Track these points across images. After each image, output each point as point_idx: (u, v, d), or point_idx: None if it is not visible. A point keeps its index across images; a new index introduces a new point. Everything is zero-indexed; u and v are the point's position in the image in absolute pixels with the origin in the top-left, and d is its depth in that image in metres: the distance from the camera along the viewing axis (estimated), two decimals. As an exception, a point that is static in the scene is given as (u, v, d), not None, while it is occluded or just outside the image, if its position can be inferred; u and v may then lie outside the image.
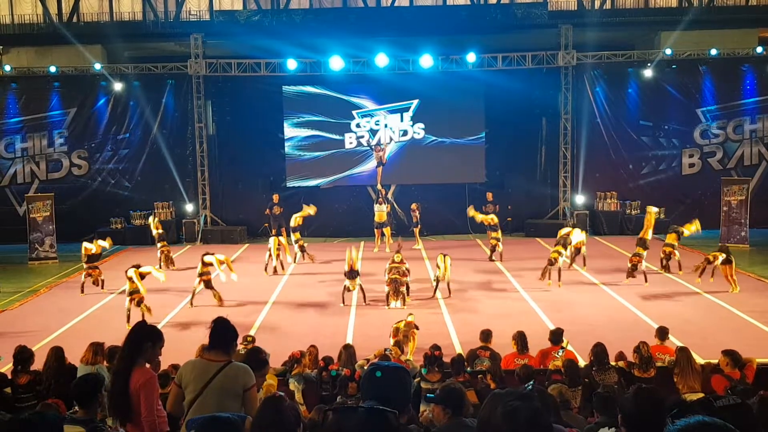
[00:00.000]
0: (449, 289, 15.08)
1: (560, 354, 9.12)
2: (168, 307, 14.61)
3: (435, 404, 4.09)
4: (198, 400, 4.84)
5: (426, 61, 22.25)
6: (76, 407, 5.41)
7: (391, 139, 23.12)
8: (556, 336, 9.70)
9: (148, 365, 5.32)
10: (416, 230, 20.91)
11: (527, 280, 16.55)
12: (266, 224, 22.12)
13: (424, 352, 8.62)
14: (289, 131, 23.62)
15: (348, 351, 9.31)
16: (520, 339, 9.54)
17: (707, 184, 23.21)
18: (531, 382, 4.05)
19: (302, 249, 18.87)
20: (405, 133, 23.56)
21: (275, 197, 21.57)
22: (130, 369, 5.06)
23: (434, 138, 23.49)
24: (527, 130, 23.75)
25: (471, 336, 10.68)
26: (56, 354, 8.14)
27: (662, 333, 9.80)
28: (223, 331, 5.03)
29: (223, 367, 4.87)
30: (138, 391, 4.98)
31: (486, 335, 9.74)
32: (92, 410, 5.34)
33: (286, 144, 23.65)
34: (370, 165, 23.25)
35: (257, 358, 5.59)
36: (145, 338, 5.17)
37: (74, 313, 14.38)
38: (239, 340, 9.67)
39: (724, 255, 15.15)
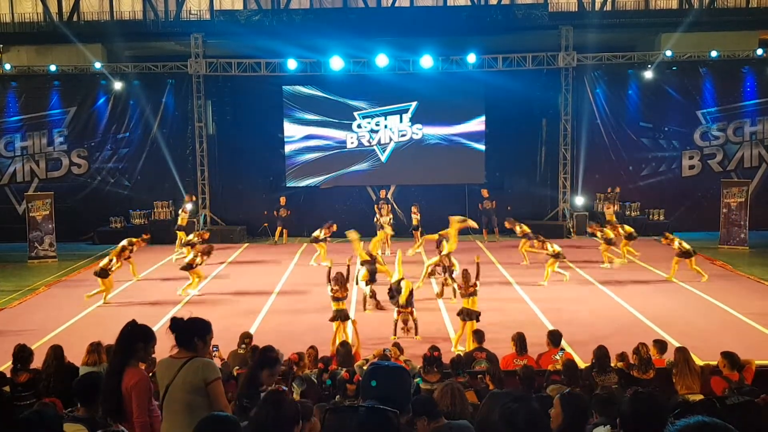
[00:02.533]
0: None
1: (560, 356, 9.11)
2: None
3: (416, 419, 4.04)
4: (166, 397, 4.86)
5: (426, 61, 22.24)
6: (76, 406, 5.40)
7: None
8: (555, 338, 9.69)
9: (142, 365, 5.31)
10: (416, 233, 20.66)
11: (526, 280, 16.54)
12: (266, 224, 22.21)
13: (423, 353, 8.61)
14: (289, 131, 23.62)
15: (345, 348, 9.34)
16: (519, 340, 9.54)
17: (707, 186, 23.21)
18: (567, 390, 4.02)
19: (189, 243, 18.37)
20: (404, 133, 23.57)
21: (282, 200, 21.56)
22: (122, 369, 5.05)
23: (434, 139, 23.50)
24: (527, 131, 23.76)
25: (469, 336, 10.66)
26: (55, 353, 8.12)
27: (661, 347, 9.45)
28: (182, 330, 5.01)
29: (185, 363, 4.86)
30: (129, 392, 4.98)
31: (479, 336, 9.82)
32: (93, 409, 5.33)
33: (286, 144, 23.65)
34: (371, 163, 23.36)
35: (267, 357, 5.55)
36: (137, 338, 5.15)
37: (73, 312, 14.38)
38: (237, 340, 9.82)
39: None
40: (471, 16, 23.41)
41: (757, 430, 3.27)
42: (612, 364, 8.61)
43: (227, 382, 6.63)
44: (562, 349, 9.54)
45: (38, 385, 7.86)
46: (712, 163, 23.75)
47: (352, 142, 23.55)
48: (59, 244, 20.69)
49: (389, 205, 21.40)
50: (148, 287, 16.71)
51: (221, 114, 24.09)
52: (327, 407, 3.14)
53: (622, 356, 8.93)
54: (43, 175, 23.78)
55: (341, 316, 11.96)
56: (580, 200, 23.56)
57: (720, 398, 3.70)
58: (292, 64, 22.42)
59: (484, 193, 22.25)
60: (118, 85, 23.16)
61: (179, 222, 20.70)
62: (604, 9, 23.88)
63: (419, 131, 23.46)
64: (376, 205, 21.57)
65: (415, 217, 20.78)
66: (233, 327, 11.92)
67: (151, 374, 5.71)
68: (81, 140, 23.78)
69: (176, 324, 5.06)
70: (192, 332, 5.02)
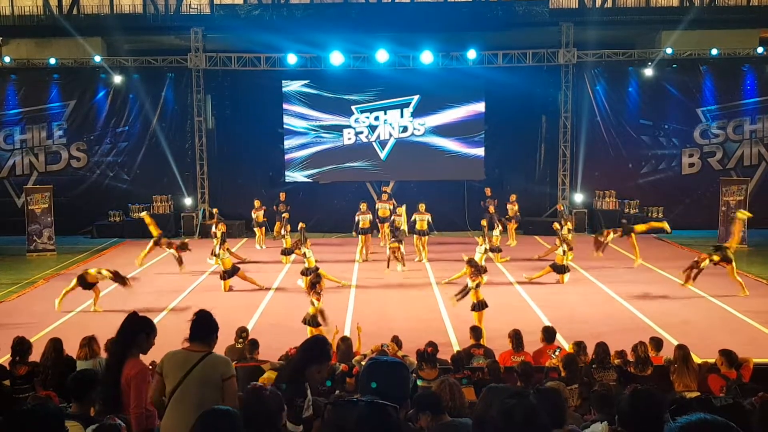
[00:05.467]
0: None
1: (557, 353, 9.13)
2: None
3: (420, 413, 4.05)
4: (178, 389, 4.84)
5: (426, 57, 22.23)
6: (71, 402, 5.40)
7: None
8: (549, 334, 9.71)
9: (141, 356, 5.32)
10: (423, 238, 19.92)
11: (524, 277, 16.56)
12: (265, 218, 22.19)
13: (417, 349, 8.61)
14: (289, 126, 23.61)
15: (346, 343, 9.35)
16: (516, 337, 9.55)
17: (707, 184, 23.21)
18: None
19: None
20: (405, 129, 23.56)
21: (282, 195, 21.57)
22: (122, 360, 5.06)
23: (433, 135, 23.49)
24: (527, 127, 23.79)
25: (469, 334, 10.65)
26: (54, 346, 8.13)
27: (657, 344, 9.44)
28: (204, 323, 5.02)
29: (203, 358, 4.87)
30: (129, 383, 4.98)
31: (477, 333, 9.92)
32: (86, 406, 5.32)
33: (285, 138, 23.64)
34: (370, 160, 23.34)
35: (324, 351, 5.07)
36: (140, 329, 5.17)
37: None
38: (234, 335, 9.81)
39: (717, 257, 14.79)
40: (471, 12, 23.37)
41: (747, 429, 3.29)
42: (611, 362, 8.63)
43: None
44: (558, 348, 9.55)
45: (37, 377, 7.88)
46: (711, 161, 23.76)
47: (349, 138, 23.54)
48: (58, 238, 20.70)
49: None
50: (146, 283, 16.68)
51: (221, 108, 24.09)
52: (326, 401, 3.16)
53: (620, 354, 8.95)
54: (42, 169, 23.76)
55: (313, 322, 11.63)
56: (579, 197, 23.57)
57: (712, 398, 3.72)
58: (292, 59, 22.41)
59: (487, 191, 21.92)
60: (117, 79, 23.13)
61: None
62: (605, 6, 23.87)
63: (421, 126, 23.44)
64: (378, 201, 21.38)
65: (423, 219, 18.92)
66: (233, 321, 11.92)
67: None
68: (80, 134, 23.76)
69: (205, 317, 5.06)
70: (214, 328, 5.07)
